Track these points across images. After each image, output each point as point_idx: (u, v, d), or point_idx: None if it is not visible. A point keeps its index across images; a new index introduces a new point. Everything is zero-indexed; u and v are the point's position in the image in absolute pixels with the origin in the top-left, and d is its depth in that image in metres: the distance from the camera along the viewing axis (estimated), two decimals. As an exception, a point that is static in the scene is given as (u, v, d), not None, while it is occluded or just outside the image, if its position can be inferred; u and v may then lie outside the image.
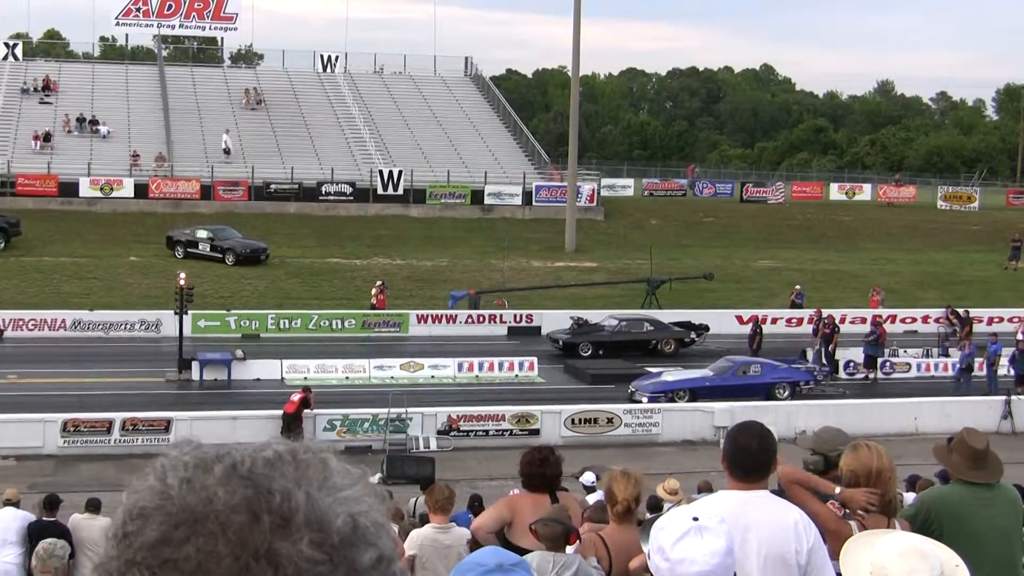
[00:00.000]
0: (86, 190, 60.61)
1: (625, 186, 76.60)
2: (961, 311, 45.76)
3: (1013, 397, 34.86)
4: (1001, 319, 47.75)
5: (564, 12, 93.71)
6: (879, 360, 40.35)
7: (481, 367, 38.58)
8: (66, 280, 49.09)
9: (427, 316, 45.63)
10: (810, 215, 71.40)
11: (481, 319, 45.84)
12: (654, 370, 37.26)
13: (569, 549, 7.27)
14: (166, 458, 1.38)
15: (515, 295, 48.56)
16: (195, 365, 36.74)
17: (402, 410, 31.09)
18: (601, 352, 41.10)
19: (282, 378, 36.59)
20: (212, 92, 74.12)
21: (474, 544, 8.72)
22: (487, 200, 64.88)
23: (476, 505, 16.79)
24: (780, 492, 5.76)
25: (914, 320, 48.13)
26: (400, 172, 64.30)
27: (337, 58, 79.31)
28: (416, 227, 61.34)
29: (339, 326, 44.51)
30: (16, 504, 15.31)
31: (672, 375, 36.05)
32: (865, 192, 79.45)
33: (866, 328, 42.28)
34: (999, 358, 38.50)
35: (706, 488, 16.87)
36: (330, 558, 1.30)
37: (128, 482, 1.37)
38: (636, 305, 47.46)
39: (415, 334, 44.69)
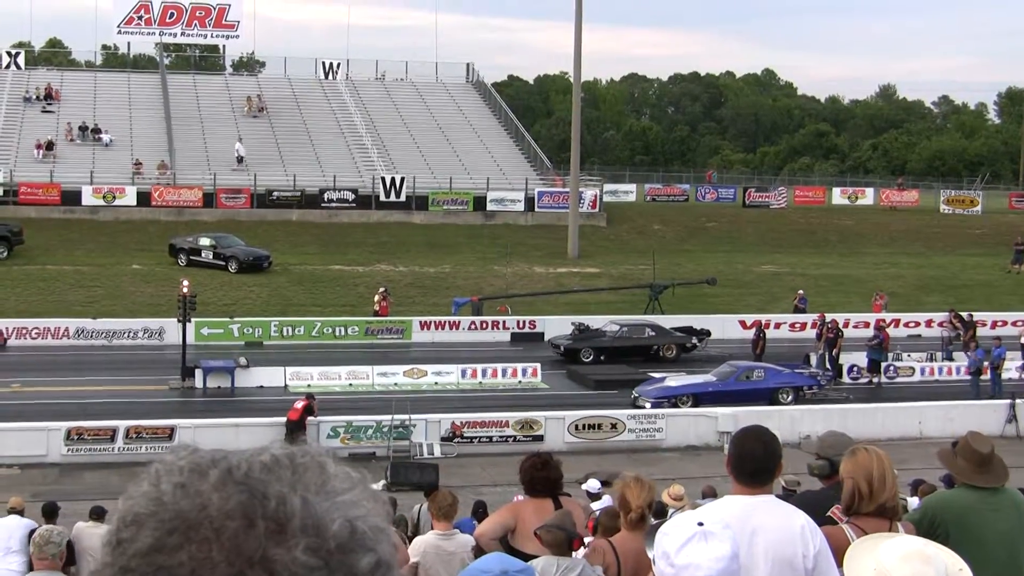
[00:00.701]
0: (88, 198, 60.68)
1: (627, 191, 76.58)
2: (965, 315, 45.73)
3: (1018, 401, 34.78)
4: (1005, 323, 47.77)
5: (565, 18, 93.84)
6: (883, 364, 40.31)
7: (484, 373, 38.56)
8: (69, 288, 49.11)
9: (430, 323, 45.62)
10: (813, 220, 71.40)
11: (484, 325, 45.83)
12: (657, 375, 37.23)
13: (575, 555, 7.26)
14: (161, 463, 1.36)
15: (518, 301, 48.58)
16: (198, 373, 36.73)
17: (406, 417, 31.06)
18: (603, 358, 41.07)
19: (285, 385, 36.59)
20: (214, 100, 74.23)
21: (478, 551, 8.71)
22: (489, 206, 64.89)
23: (480, 511, 16.79)
24: (786, 497, 5.75)
25: (917, 324, 48.08)
26: (402, 179, 64.33)
27: (339, 65, 79.42)
28: (419, 234, 61.36)
29: (342, 333, 44.51)
30: (20, 512, 15.28)
31: (675, 380, 36.02)
32: (868, 196, 79.43)
33: (870, 332, 42.25)
34: (1003, 362, 38.49)
35: (711, 493, 16.85)
36: (326, 563, 1.28)
37: (126, 489, 1.36)
38: (639, 311, 47.42)
39: (418, 341, 44.69)
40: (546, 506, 8.22)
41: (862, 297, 51.83)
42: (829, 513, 5.77)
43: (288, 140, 69.79)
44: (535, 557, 7.47)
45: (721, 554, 3.73)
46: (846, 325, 43.44)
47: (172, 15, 76.65)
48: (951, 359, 41.79)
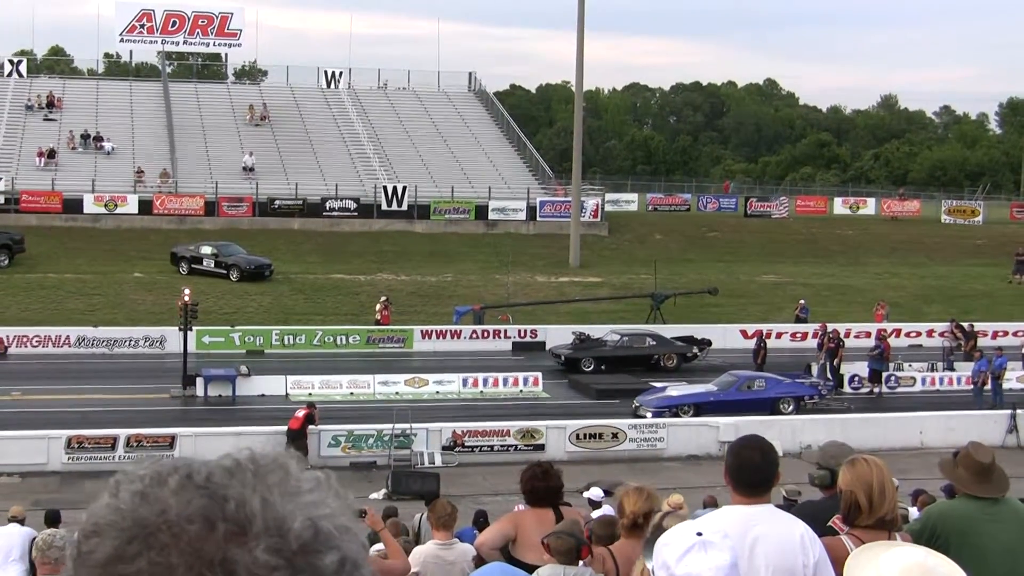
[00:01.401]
0: (90, 207, 60.73)
1: (629, 201, 76.63)
2: (966, 325, 45.72)
3: (1019, 411, 34.77)
4: (1006, 333, 47.77)
5: (567, 27, 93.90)
6: (884, 374, 40.29)
7: (486, 382, 38.54)
8: (70, 297, 49.13)
9: (431, 332, 45.64)
10: (814, 229, 71.41)
11: (485, 334, 45.84)
12: (659, 385, 37.21)
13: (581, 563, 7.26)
14: (122, 473, 1.36)
15: (519, 310, 48.58)
16: (199, 381, 36.73)
17: (407, 426, 31.04)
18: (603, 367, 41.07)
19: (286, 394, 36.58)
20: (216, 108, 74.31)
21: (479, 560, 8.71)
22: (491, 215, 64.91)
23: (481, 521, 16.76)
24: (787, 507, 5.73)
25: (919, 334, 48.08)
26: (404, 188, 64.36)
27: (341, 74, 79.54)
28: (420, 243, 61.38)
29: (343, 342, 44.53)
30: (21, 521, 15.28)
31: (676, 390, 35.99)
32: (869, 206, 79.48)
33: (871, 342, 42.25)
34: (1004, 371, 38.50)
35: (712, 503, 16.83)
36: (289, 563, 1.27)
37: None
38: (641, 320, 47.42)
39: (419, 350, 44.70)
40: (547, 516, 8.21)
41: (863, 307, 51.82)
42: (830, 523, 5.75)
43: (290, 149, 69.85)
44: (536, 567, 7.46)
45: (720, 563, 3.73)
46: (847, 335, 43.46)
47: (174, 24, 76.79)
48: (952, 369, 41.78)
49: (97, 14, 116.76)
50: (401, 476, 28.07)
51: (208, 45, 79.26)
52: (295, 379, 37.48)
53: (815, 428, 32.07)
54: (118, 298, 49.27)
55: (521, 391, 38.49)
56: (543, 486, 8.40)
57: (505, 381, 38.74)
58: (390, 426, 30.92)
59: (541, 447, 31.20)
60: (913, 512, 13.68)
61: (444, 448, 31.14)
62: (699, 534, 3.79)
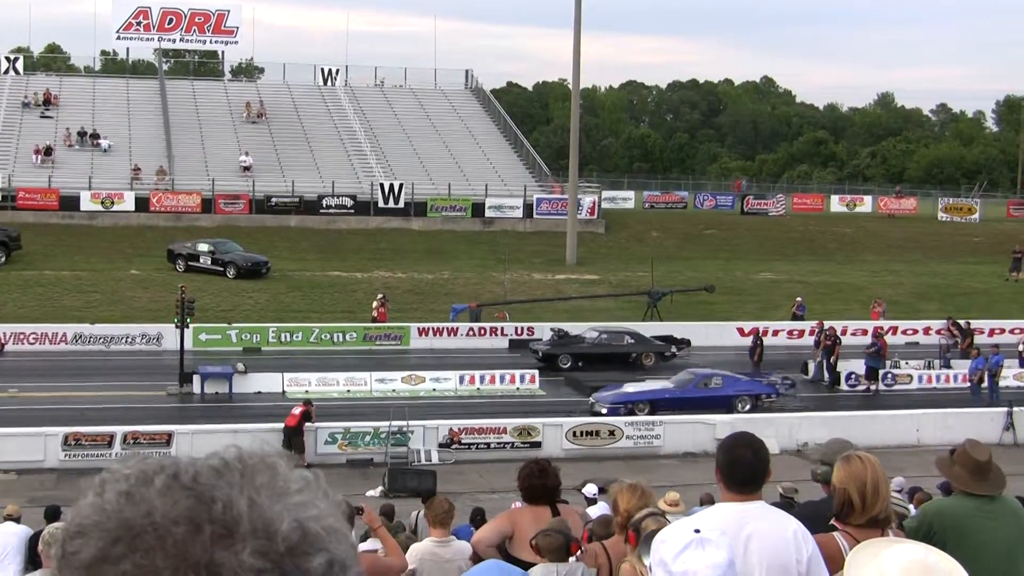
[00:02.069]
0: (87, 204, 60.65)
1: (626, 199, 76.59)
2: (963, 323, 45.77)
3: (1015, 408, 34.79)
4: (1003, 331, 47.74)
5: (564, 25, 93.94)
6: (880, 372, 40.29)
7: (482, 380, 38.52)
8: (67, 294, 49.09)
9: (428, 329, 45.62)
10: (811, 227, 71.40)
11: (482, 332, 45.81)
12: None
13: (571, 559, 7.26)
14: (108, 472, 1.34)
15: (516, 308, 48.55)
16: (196, 378, 36.71)
17: (403, 423, 31.04)
18: (580, 364, 40.93)
19: (283, 391, 36.55)
20: (213, 106, 74.25)
21: (476, 558, 8.70)
22: (488, 213, 64.89)
23: (478, 518, 16.75)
24: (785, 505, 5.73)
25: (915, 332, 48.09)
26: (401, 185, 64.32)
27: (338, 71, 79.45)
28: (417, 240, 61.37)
29: (340, 339, 44.50)
30: (17, 519, 15.26)
31: (633, 387, 35.64)
32: (866, 204, 79.48)
33: (867, 340, 42.25)
34: (1000, 369, 38.53)
35: (708, 500, 16.84)
36: (277, 566, 1.26)
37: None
38: (637, 318, 47.40)
39: (416, 347, 44.68)
40: (544, 513, 8.21)
41: (860, 305, 51.84)
42: (832, 522, 5.74)
43: (287, 146, 69.80)
44: (532, 565, 7.46)
45: (718, 561, 3.73)
46: (844, 332, 43.45)
47: (171, 21, 76.69)
48: (949, 367, 41.79)
49: (94, 11, 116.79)
50: (398, 473, 28.08)
51: (205, 42, 79.17)
52: (292, 376, 37.45)
53: (812, 426, 32.10)
54: (115, 295, 49.23)
55: (518, 388, 38.47)
56: (540, 484, 8.39)
57: (502, 378, 38.72)
58: (387, 423, 30.94)
59: (538, 444, 31.22)
60: (913, 510, 13.68)
61: (441, 445, 31.14)
62: (696, 531, 3.79)
